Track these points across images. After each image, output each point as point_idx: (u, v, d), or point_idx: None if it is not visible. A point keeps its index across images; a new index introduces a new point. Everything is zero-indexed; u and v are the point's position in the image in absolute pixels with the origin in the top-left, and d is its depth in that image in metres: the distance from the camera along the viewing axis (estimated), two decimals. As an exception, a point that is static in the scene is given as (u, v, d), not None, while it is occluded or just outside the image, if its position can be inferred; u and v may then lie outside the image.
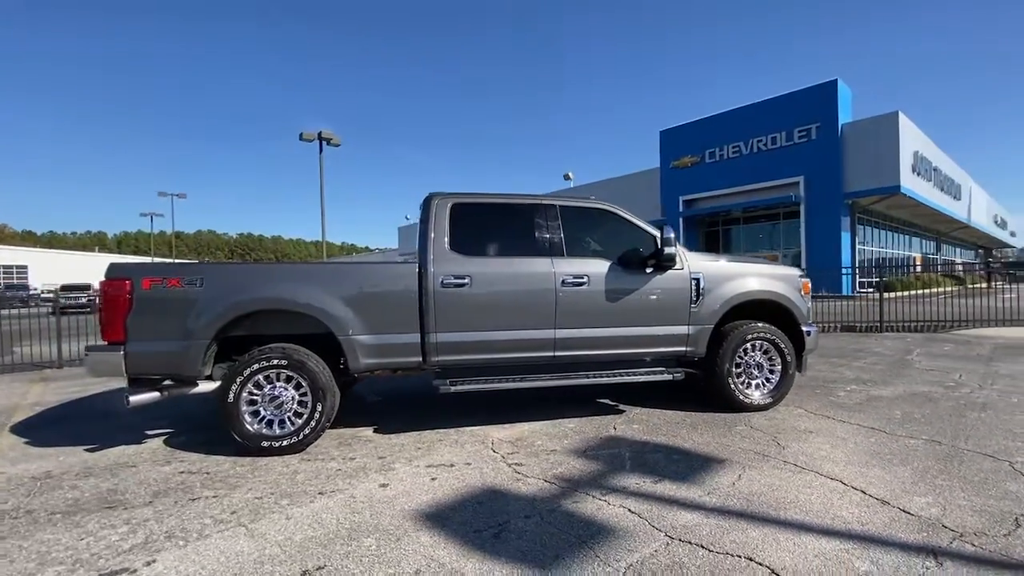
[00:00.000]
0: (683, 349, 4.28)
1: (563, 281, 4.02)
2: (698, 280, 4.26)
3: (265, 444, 3.56)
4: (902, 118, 20.68)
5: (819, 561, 2.17)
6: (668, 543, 2.34)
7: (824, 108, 21.91)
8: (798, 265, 18.16)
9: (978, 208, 35.82)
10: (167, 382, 3.74)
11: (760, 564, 2.16)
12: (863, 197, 22.00)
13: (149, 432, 4.32)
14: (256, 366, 3.56)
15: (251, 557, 2.30)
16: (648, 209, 26.62)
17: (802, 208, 22.94)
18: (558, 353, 4.06)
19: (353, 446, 3.83)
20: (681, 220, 26.77)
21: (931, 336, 9.07)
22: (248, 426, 3.56)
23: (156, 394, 3.61)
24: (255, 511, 2.76)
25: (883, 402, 4.68)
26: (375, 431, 4.20)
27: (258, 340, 3.86)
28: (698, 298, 4.25)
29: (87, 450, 3.88)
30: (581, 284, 4.04)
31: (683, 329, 4.25)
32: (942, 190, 26.46)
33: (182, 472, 3.36)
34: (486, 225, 4.15)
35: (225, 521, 2.65)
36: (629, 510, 2.67)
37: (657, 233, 4.28)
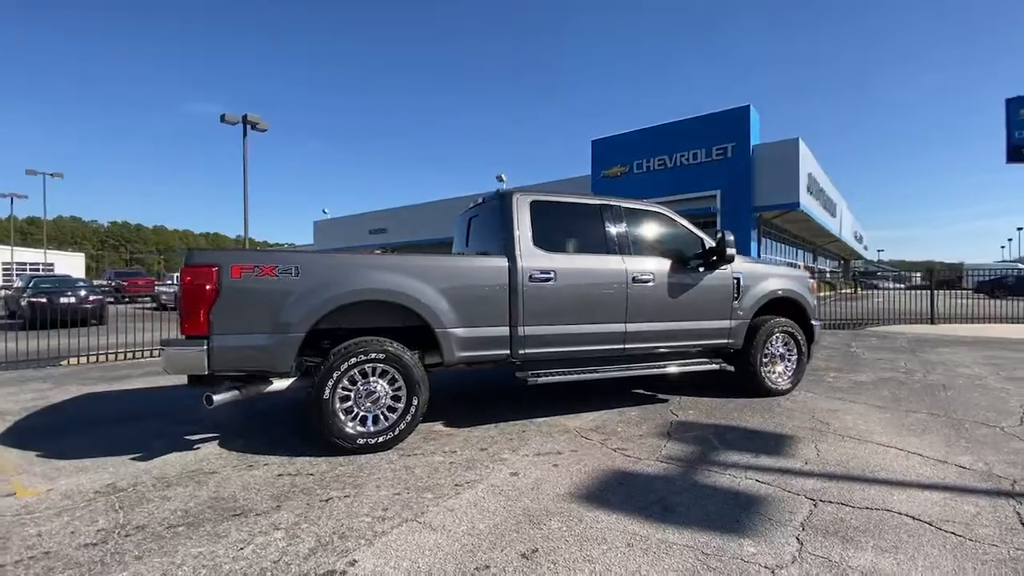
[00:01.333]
0: (725, 341, 4.75)
1: (633, 278, 4.28)
2: (739, 279, 4.75)
3: (361, 442, 3.40)
4: (801, 143, 23.74)
5: (938, 508, 2.63)
6: (816, 504, 2.68)
7: (738, 130, 24.47)
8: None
9: (846, 224, 41.96)
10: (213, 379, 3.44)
11: (898, 513, 2.57)
12: (768, 211, 24.89)
13: (190, 437, 3.89)
14: (353, 360, 3.40)
15: (454, 548, 2.27)
16: (582, 214, 27.70)
17: (718, 219, 25.36)
18: (627, 346, 4.31)
19: (440, 440, 3.78)
20: (611, 226, 28.23)
21: (855, 332, 10.67)
22: (344, 424, 3.38)
23: (236, 392, 3.32)
24: (407, 506, 2.69)
25: (867, 385, 5.53)
26: (445, 425, 4.16)
27: (335, 335, 3.67)
28: (738, 295, 4.74)
29: (133, 459, 3.42)
30: (648, 281, 4.34)
31: (726, 323, 4.71)
32: (824, 208, 30.67)
33: (280, 475, 3.12)
34: (562, 223, 4.29)
35: (388, 518, 2.56)
36: (758, 481, 2.99)
37: (702, 235, 4.72)
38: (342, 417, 3.39)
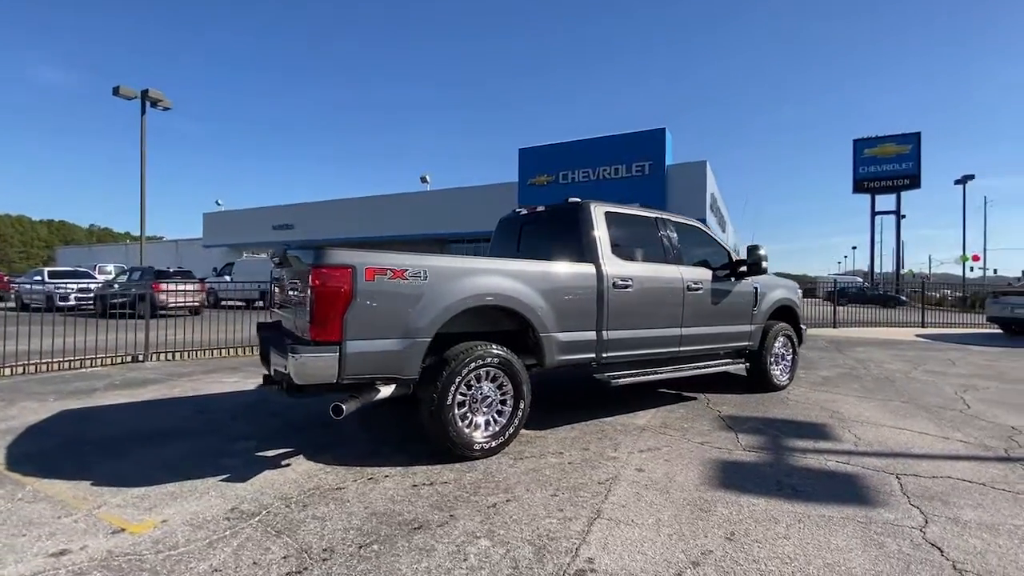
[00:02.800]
0: (747, 344, 5.37)
1: (688, 286, 4.70)
2: (757, 288, 5.40)
3: (477, 447, 3.38)
4: (708, 166, 26.60)
5: (978, 472, 3.33)
6: (898, 477, 3.24)
7: (655, 150, 26.75)
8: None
9: (730, 239, 47.58)
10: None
11: (959, 479, 3.21)
12: (678, 225, 27.49)
13: (263, 454, 3.53)
14: (472, 365, 3.36)
15: (661, 538, 2.44)
16: (511, 220, 28.33)
17: (636, 230, 27.46)
18: (682, 348, 4.72)
19: (534, 443, 3.85)
20: (538, 232, 29.21)
21: (780, 334, 12.31)
22: (462, 429, 3.33)
23: (356, 401, 3.13)
24: (579, 505, 2.78)
25: (833, 380, 6.53)
26: (524, 428, 4.21)
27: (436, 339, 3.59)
28: (757, 302, 5.39)
29: (224, 480, 3.06)
30: (699, 288, 4.79)
31: (748, 327, 5.33)
32: (719, 224, 34.57)
33: (415, 486, 3.02)
34: (628, 232, 4.58)
35: (572, 518, 2.63)
36: (838, 462, 3.51)
37: (729, 248, 5.31)
38: (460, 423, 3.34)
